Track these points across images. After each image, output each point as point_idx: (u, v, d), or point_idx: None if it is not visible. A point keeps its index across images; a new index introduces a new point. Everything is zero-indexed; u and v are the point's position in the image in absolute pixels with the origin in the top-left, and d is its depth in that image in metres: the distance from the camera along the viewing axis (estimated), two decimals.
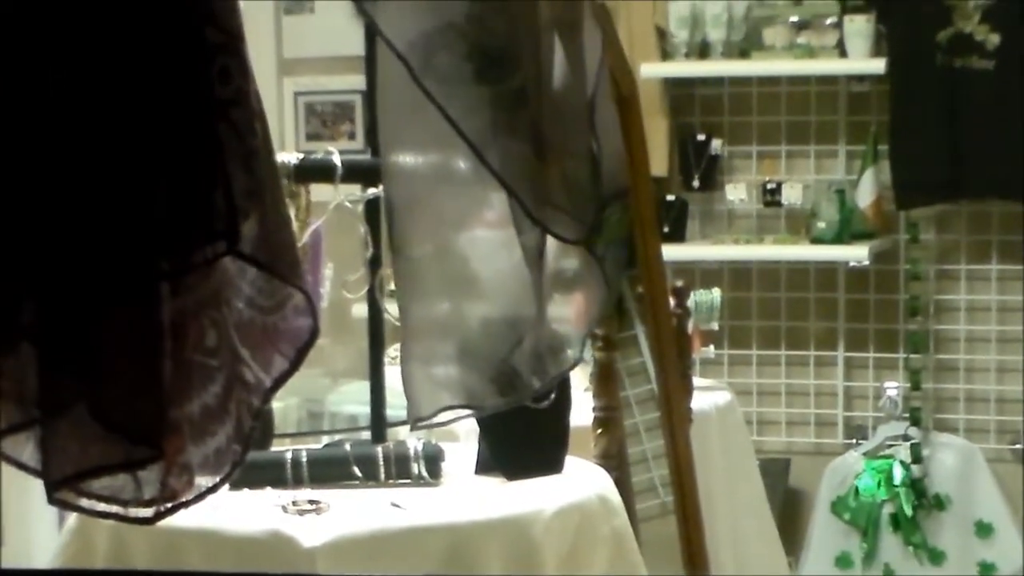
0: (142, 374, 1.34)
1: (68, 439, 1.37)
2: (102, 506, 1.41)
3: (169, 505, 1.40)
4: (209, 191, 1.34)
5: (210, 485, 1.43)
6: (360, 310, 3.00)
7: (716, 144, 4.88)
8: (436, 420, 1.68)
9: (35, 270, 1.35)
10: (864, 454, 4.72)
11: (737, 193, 4.87)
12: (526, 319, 1.68)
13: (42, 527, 3.45)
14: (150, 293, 1.35)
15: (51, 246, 1.35)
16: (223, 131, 1.36)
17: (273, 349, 1.45)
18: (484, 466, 2.70)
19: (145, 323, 1.34)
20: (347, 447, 2.69)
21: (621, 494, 2.74)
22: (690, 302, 3.78)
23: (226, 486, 2.52)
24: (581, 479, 2.69)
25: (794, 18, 4.83)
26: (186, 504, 1.41)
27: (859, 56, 4.76)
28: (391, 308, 2.68)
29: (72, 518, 2.51)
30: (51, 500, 1.39)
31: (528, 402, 1.77)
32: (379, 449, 2.66)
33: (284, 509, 2.47)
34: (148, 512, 1.40)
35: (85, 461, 1.36)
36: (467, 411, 1.71)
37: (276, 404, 2.91)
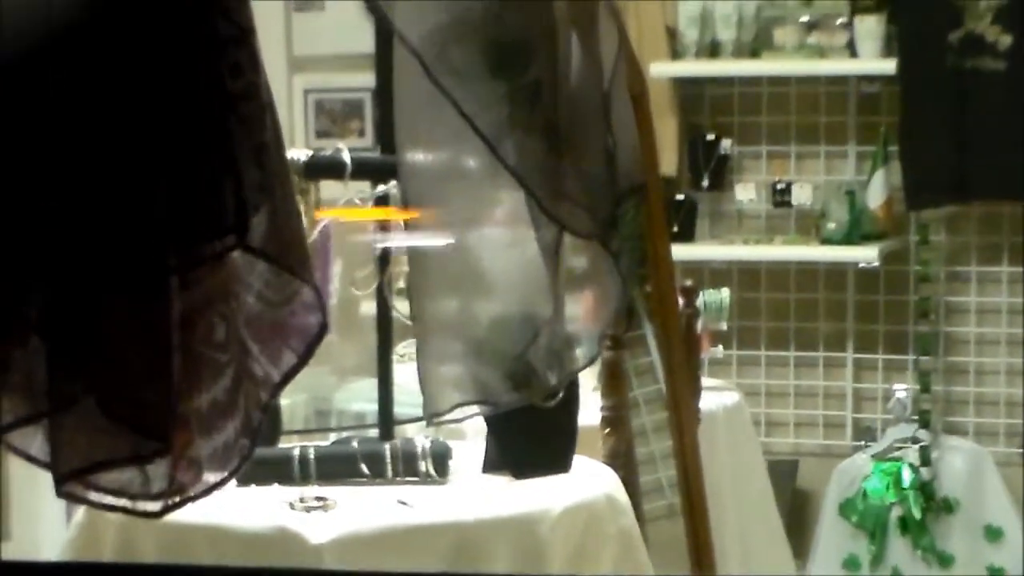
0: (151, 368, 1.33)
1: (76, 432, 1.36)
2: (110, 499, 1.40)
3: (177, 499, 1.39)
4: (219, 185, 1.33)
5: (218, 479, 1.42)
6: (369, 308, 2.99)
7: (726, 144, 4.87)
8: (452, 416, 1.68)
9: (44, 263, 1.34)
10: (873, 456, 4.70)
11: (746, 193, 4.86)
12: (541, 315, 1.68)
13: (50, 522, 3.45)
14: (159, 287, 1.34)
15: (60, 240, 1.34)
16: (233, 125, 1.35)
17: (282, 343, 1.44)
18: (492, 464, 2.69)
19: (154, 317, 1.34)
20: (355, 444, 2.69)
21: (628, 494, 2.74)
22: (699, 302, 3.77)
23: (234, 482, 2.53)
24: (589, 478, 2.69)
25: (804, 18, 4.82)
26: (194, 498, 1.41)
27: (870, 56, 4.75)
28: (400, 306, 2.68)
29: (79, 513, 2.51)
30: (59, 493, 1.39)
31: (542, 398, 1.76)
32: (387, 447, 2.66)
33: (291, 506, 2.47)
34: (156, 506, 1.40)
35: (93, 454, 1.36)
36: (483, 406, 1.71)
37: (284, 401, 2.91)
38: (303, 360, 1.45)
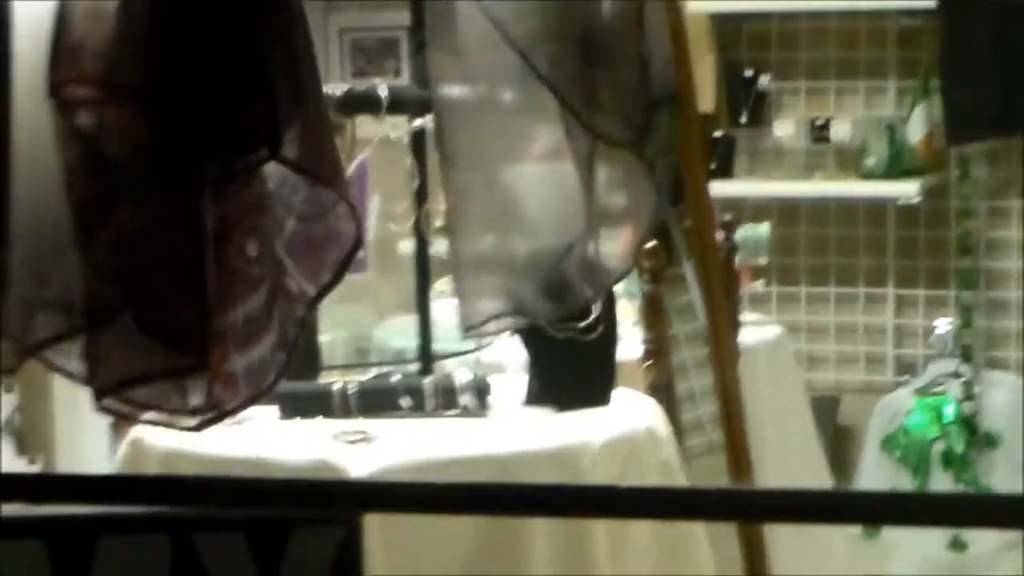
0: (185, 283, 1.34)
1: (113, 348, 1.37)
2: (148, 414, 1.41)
3: (214, 414, 1.40)
4: (251, 97, 1.33)
5: (255, 393, 1.42)
6: (406, 247, 2.99)
7: (764, 80, 4.83)
8: (488, 328, 1.68)
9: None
10: (915, 391, 4.69)
11: (785, 129, 4.82)
12: (576, 229, 1.67)
13: (94, 457, 3.48)
14: (193, 201, 1.34)
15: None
16: (265, 37, 1.34)
17: (317, 259, 1.44)
18: (533, 398, 2.69)
19: (188, 231, 1.34)
20: (395, 379, 2.70)
21: (669, 425, 2.74)
22: (738, 236, 3.75)
23: (276, 415, 2.54)
24: (630, 411, 2.69)
25: None
26: (231, 412, 1.41)
27: None
28: (438, 244, 2.68)
29: (122, 449, 2.53)
30: (98, 407, 1.39)
31: (578, 311, 1.75)
32: (427, 381, 2.66)
33: (332, 439, 2.48)
34: (193, 421, 1.40)
35: (130, 369, 1.36)
36: (519, 318, 1.70)
37: (324, 338, 2.92)
38: (338, 275, 1.45)
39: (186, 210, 1.34)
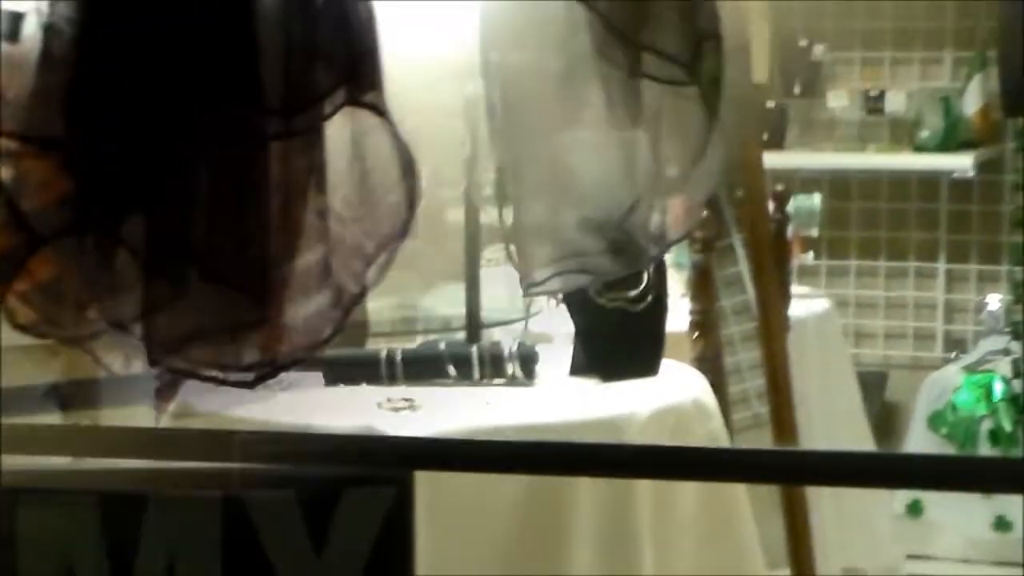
0: (249, 232, 1.33)
1: (169, 304, 1.36)
2: (202, 371, 1.40)
3: (269, 369, 1.39)
4: (317, 52, 1.32)
5: (310, 347, 1.41)
6: (454, 214, 2.97)
7: (818, 50, 4.78)
8: (549, 286, 1.66)
9: (142, 131, 1.34)
10: (963, 368, 4.64)
11: (839, 100, 4.78)
12: (636, 193, 1.65)
13: (138, 422, 3.50)
14: (257, 154, 1.33)
15: (159, 107, 1.33)
16: None
17: (376, 214, 1.43)
18: (579, 368, 2.68)
19: (252, 184, 1.33)
20: (442, 346, 2.69)
21: (717, 398, 2.72)
22: (790, 207, 3.72)
23: (322, 381, 2.54)
24: (677, 382, 2.67)
25: None
26: (286, 366, 1.40)
27: None
28: (488, 211, 2.66)
29: (166, 419, 2.53)
30: (152, 363, 1.39)
31: (645, 266, 1.73)
32: (474, 349, 2.65)
33: (378, 406, 2.47)
34: (247, 376, 1.39)
35: (187, 326, 1.36)
36: (581, 275, 1.68)
37: (370, 305, 2.90)
38: (403, 231, 1.44)
39: (251, 162, 1.34)
